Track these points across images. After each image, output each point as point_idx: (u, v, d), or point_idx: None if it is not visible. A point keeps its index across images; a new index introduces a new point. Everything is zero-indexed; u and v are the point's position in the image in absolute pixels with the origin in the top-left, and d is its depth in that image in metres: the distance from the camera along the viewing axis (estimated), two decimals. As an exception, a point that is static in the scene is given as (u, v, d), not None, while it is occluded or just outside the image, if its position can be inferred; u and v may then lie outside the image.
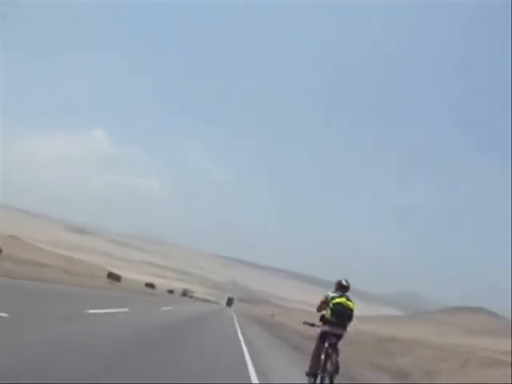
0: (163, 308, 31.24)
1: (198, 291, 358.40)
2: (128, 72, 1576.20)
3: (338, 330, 10.90)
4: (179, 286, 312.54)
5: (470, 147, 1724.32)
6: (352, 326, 11.81)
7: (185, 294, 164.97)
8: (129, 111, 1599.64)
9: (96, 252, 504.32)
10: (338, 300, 10.91)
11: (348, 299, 11.04)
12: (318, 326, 11.50)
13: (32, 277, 24.41)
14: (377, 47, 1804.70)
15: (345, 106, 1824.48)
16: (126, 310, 19.68)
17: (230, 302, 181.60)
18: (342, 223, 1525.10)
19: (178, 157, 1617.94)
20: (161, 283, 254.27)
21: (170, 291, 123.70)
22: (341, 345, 10.80)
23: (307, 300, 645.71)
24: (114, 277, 56.04)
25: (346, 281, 11.38)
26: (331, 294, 11.13)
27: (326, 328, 10.95)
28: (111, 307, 18.61)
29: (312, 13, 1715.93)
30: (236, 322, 43.26)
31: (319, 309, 11.41)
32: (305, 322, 13.09)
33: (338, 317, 10.85)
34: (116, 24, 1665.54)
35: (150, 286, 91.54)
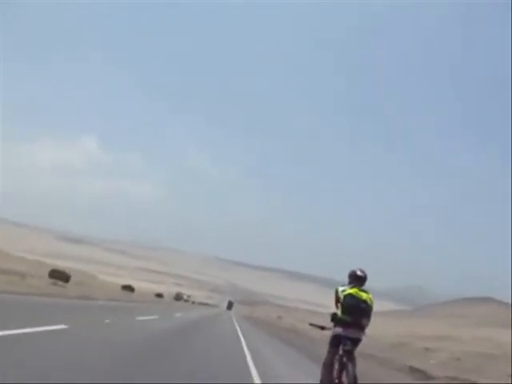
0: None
1: (198, 295, 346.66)
2: (121, 75, 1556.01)
3: (353, 333, 8.86)
4: (177, 290, 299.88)
5: (472, 144, 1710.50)
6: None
7: (179, 297, 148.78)
8: (121, 118, 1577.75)
9: (91, 261, 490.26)
10: (348, 291, 8.95)
11: (361, 290, 8.99)
12: (328, 329, 9.47)
13: None
14: (378, 48, 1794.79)
15: (343, 106, 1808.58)
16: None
17: (230, 305, 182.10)
18: (341, 219, 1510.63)
19: (171, 160, 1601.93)
20: (152, 288, 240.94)
21: (159, 295, 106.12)
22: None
23: (307, 299, 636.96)
24: (58, 276, 40.52)
25: (362, 270, 9.23)
26: (341, 288, 9.17)
27: (339, 330, 8.95)
28: None
29: (311, 13, 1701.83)
30: (238, 329, 30.91)
31: (335, 309, 9.23)
32: (312, 324, 10.90)
33: (350, 313, 8.79)
34: (110, 26, 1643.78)
35: (128, 288, 73.46)
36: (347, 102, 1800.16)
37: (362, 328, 8.97)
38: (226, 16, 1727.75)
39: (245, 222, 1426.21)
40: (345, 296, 8.94)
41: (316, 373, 15.43)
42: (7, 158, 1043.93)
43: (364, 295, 8.95)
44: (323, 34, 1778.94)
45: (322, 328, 10.28)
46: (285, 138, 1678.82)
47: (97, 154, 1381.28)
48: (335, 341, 9.11)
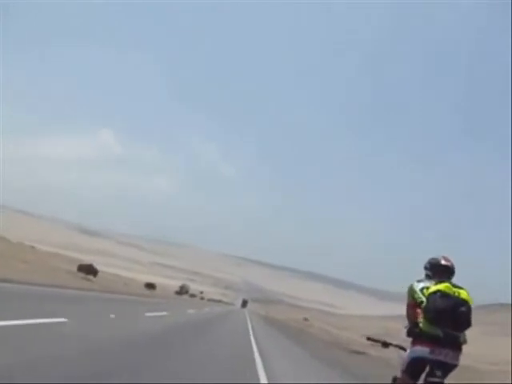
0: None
1: (211, 292, 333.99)
2: (136, 69, 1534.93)
3: (447, 355, 5.60)
4: (184, 283, 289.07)
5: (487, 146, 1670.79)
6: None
7: (183, 291, 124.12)
8: (137, 112, 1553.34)
9: (105, 254, 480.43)
10: (435, 287, 5.75)
11: (455, 285, 5.82)
12: (397, 347, 6.48)
13: None
14: (379, 46, 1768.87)
15: (347, 104, 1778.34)
16: None
17: (244, 303, 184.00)
18: (356, 221, 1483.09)
19: (187, 156, 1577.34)
20: (171, 284, 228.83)
21: (150, 285, 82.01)
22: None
23: (322, 300, 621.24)
24: None
25: (447, 258, 6.24)
26: (419, 285, 6.08)
27: (423, 351, 5.67)
28: None
29: (323, 9, 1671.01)
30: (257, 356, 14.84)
31: (412, 317, 5.95)
32: (370, 339, 7.32)
33: (442, 322, 5.56)
34: (122, 20, 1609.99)
35: (88, 270, 49.43)
36: (354, 103, 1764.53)
37: (459, 347, 5.66)
38: (247, 12, 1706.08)
39: (259, 219, 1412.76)
40: (430, 295, 5.67)
41: None
42: (23, 150, 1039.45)
43: (463, 293, 5.68)
44: (329, 34, 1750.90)
45: (385, 345, 6.72)
46: (298, 136, 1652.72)
47: (113, 148, 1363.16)
48: (415, 367, 5.74)
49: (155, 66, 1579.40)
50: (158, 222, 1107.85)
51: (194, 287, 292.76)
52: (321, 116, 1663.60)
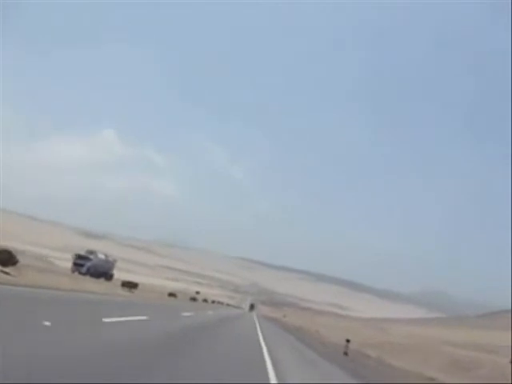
0: None
1: (217, 294, 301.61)
2: (140, 69, 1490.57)
3: None
4: (195, 289, 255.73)
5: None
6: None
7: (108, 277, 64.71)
8: (145, 114, 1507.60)
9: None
10: None
11: None
12: None
13: None
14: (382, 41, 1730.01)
15: (351, 104, 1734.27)
16: None
17: (251, 307, 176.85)
18: (365, 223, 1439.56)
19: (195, 158, 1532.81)
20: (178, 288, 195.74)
21: None
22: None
23: (333, 301, 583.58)
24: None
25: None
26: None
27: None
28: None
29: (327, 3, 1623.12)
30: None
31: None
32: None
33: None
34: (126, 19, 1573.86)
35: None
36: (358, 101, 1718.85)
37: None
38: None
39: (268, 221, 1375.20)
40: None
41: None
42: (29, 154, 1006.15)
43: None
44: (333, 27, 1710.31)
45: None
46: (307, 136, 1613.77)
47: (120, 151, 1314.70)
48: None
49: (162, 68, 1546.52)
50: (166, 226, 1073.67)
51: (197, 289, 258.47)
52: (331, 119, 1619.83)
